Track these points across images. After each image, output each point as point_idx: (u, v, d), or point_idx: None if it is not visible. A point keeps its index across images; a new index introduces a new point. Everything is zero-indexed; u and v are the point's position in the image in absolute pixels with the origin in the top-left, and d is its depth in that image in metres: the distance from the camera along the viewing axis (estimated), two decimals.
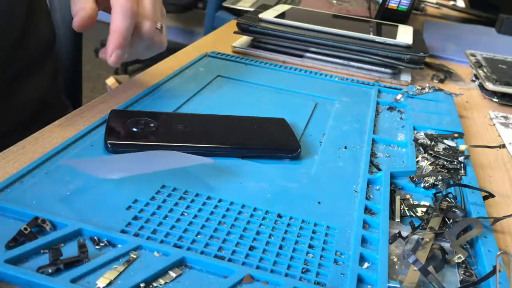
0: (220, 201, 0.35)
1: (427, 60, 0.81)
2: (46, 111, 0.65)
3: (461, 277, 0.32)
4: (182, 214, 0.33)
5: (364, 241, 0.34)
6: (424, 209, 0.38)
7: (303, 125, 0.50)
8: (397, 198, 0.39)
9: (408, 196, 0.40)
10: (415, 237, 0.34)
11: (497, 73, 0.71)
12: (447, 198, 0.39)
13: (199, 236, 0.32)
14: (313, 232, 0.34)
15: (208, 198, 0.36)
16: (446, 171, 0.44)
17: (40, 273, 0.27)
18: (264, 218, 0.34)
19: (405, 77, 0.70)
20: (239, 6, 1.07)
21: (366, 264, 0.31)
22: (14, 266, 0.27)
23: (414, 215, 0.38)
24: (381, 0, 0.94)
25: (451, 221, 0.37)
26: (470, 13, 1.37)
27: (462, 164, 0.45)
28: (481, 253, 0.33)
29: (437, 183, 0.42)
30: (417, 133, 0.52)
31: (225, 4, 1.11)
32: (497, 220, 0.38)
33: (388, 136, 0.51)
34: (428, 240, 0.34)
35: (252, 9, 0.89)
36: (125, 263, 0.28)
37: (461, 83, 0.74)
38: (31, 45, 0.61)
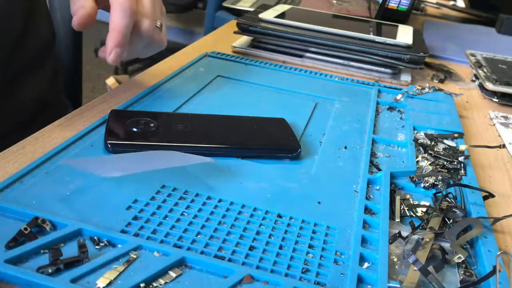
0: (220, 201, 0.35)
1: (427, 60, 0.81)
2: (46, 111, 0.65)
3: (461, 277, 0.32)
4: (182, 214, 0.33)
5: (364, 241, 0.34)
6: (424, 209, 0.38)
7: (303, 125, 0.50)
8: (397, 198, 0.39)
9: (408, 196, 0.40)
10: (415, 237, 0.34)
11: (497, 73, 0.71)
12: (447, 198, 0.39)
13: (199, 236, 0.32)
14: (313, 232, 0.34)
15: (208, 198, 0.36)
16: (446, 171, 0.44)
17: (40, 273, 0.27)
18: (264, 218, 0.34)
19: (405, 77, 0.70)
20: (239, 6, 1.07)
21: (366, 264, 0.31)
22: (14, 266, 0.27)
23: (414, 215, 0.38)
24: (381, 0, 0.94)
25: (451, 221, 0.37)
26: (470, 13, 1.37)
27: (462, 164, 0.45)
28: (481, 253, 0.33)
29: (437, 183, 0.42)
30: (417, 133, 0.52)
31: (225, 4, 1.11)
32: (497, 220, 0.38)
33: (388, 136, 0.51)
34: (428, 240, 0.34)
35: (252, 9, 0.89)
36: (125, 263, 0.28)
37: (461, 83, 0.74)
38: (30, 45, 0.61)
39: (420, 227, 0.36)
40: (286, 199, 0.37)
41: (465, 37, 1.02)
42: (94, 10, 0.44)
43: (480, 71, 0.72)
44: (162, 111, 0.48)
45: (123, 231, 0.31)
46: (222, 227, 0.33)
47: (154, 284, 0.27)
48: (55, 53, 0.70)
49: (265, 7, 0.80)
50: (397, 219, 0.37)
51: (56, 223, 0.31)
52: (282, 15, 0.76)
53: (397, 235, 0.34)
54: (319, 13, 0.87)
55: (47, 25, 0.66)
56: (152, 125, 0.42)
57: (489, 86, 0.67)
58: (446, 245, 0.34)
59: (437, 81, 0.73)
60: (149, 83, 0.55)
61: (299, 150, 0.43)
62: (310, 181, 0.40)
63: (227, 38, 0.78)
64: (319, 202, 0.37)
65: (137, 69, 2.69)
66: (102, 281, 0.27)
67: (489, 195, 0.41)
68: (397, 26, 0.81)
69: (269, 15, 0.74)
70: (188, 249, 0.30)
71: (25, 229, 0.29)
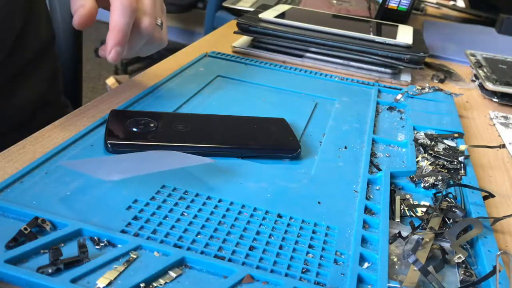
0: (220, 201, 0.35)
1: (427, 60, 0.81)
2: (46, 111, 0.65)
3: (461, 277, 0.32)
4: (182, 214, 0.33)
5: (364, 241, 0.34)
6: (424, 209, 0.38)
7: (303, 125, 0.50)
8: (397, 198, 0.39)
9: (408, 196, 0.40)
10: (415, 237, 0.34)
11: (497, 73, 0.71)
12: (447, 198, 0.39)
13: (199, 236, 0.32)
14: (313, 232, 0.34)
15: (208, 198, 0.36)
16: (446, 171, 0.44)
17: (40, 273, 0.27)
18: (264, 218, 0.34)
19: (405, 77, 0.70)
20: (239, 6, 1.07)
21: (366, 264, 0.31)
22: (14, 266, 0.27)
23: (414, 215, 0.38)
24: (381, 0, 0.94)
25: (451, 221, 0.37)
26: (470, 13, 1.37)
27: (462, 164, 0.45)
28: (481, 253, 0.33)
29: (437, 183, 0.42)
30: (417, 133, 0.52)
31: (225, 4, 1.11)
32: (497, 220, 0.38)
33: (388, 136, 0.51)
34: (428, 240, 0.34)
35: (252, 9, 0.89)
36: (125, 263, 0.28)
37: (461, 83, 0.74)
38: (30, 45, 0.61)
39: (420, 227, 0.36)
40: (286, 199, 0.37)
41: (465, 37, 1.02)
42: (95, 9, 0.44)
43: (480, 71, 0.72)
44: (162, 111, 0.48)
45: (123, 231, 0.31)
46: (222, 227, 0.33)
47: (154, 284, 0.27)
48: (54, 53, 0.70)
49: (265, 7, 0.80)
50: (397, 219, 0.37)
51: (56, 223, 0.31)
52: (282, 15, 0.76)
53: (397, 235, 0.34)
54: (319, 13, 0.87)
55: (46, 25, 0.66)
56: (152, 125, 0.42)
57: (489, 86, 0.67)
58: (446, 245, 0.34)
59: (437, 81, 0.73)
60: (149, 83, 0.55)
61: (299, 150, 0.43)
62: (310, 181, 0.40)
63: (227, 38, 0.78)
64: (319, 202, 0.37)
65: (137, 69, 2.69)
66: (102, 281, 0.27)
67: (489, 195, 0.41)
68: (397, 26, 0.81)
69: (269, 15, 0.74)
70: (188, 249, 0.30)
71: (25, 229, 0.29)
